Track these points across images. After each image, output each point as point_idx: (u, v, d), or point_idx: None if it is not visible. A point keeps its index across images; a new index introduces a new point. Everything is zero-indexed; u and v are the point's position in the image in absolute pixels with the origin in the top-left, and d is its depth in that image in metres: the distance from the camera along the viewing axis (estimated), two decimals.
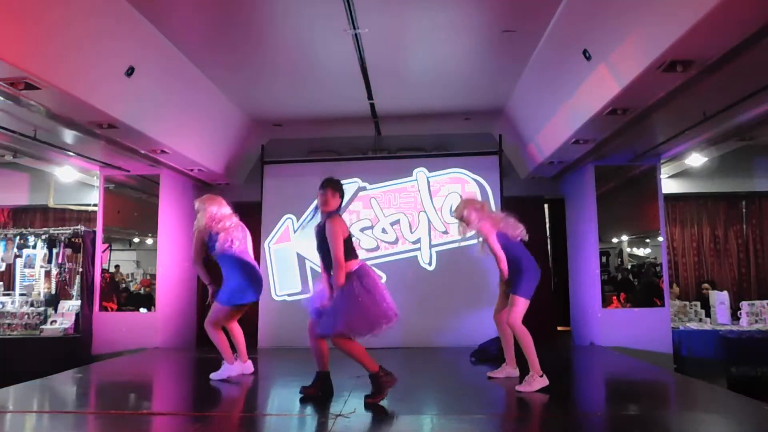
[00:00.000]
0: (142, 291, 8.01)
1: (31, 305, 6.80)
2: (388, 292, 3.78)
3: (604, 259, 6.89)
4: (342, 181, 4.01)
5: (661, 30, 3.51)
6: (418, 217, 7.00)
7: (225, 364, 4.66)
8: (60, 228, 7.06)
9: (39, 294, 6.96)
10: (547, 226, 7.99)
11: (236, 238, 4.62)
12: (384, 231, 7.00)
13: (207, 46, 5.09)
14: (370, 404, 3.60)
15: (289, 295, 7.01)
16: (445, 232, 6.94)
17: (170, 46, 4.93)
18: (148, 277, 8.28)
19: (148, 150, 5.95)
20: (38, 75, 3.86)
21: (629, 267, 7.86)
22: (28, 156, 6.40)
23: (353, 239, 3.91)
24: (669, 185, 7.98)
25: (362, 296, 3.59)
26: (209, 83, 5.85)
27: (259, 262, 7.00)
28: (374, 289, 3.67)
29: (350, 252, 3.73)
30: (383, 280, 4.36)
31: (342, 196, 3.90)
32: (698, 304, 6.88)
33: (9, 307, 6.77)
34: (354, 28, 4.58)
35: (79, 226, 7.00)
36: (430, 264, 6.92)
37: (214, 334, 4.61)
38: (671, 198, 8.31)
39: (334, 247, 3.63)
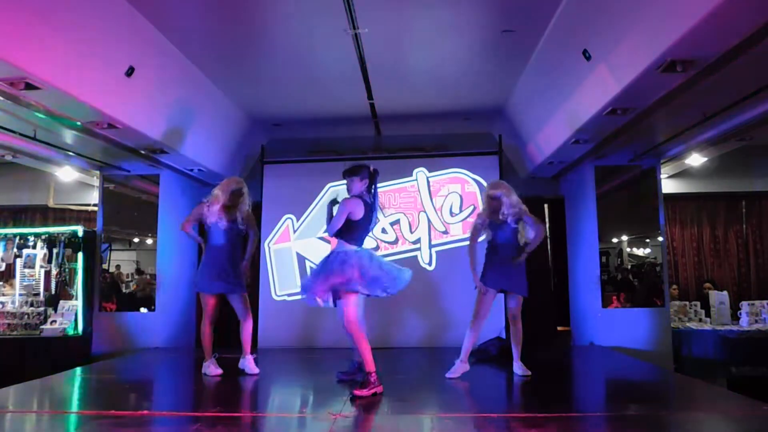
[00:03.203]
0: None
1: (31, 305, 6.80)
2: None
3: (604, 259, 6.89)
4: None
5: (661, 30, 3.51)
6: (418, 217, 7.00)
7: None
8: (60, 228, 7.08)
9: (39, 294, 6.96)
10: (547, 226, 7.98)
11: None
12: (384, 231, 7.00)
13: (207, 46, 5.09)
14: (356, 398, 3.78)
15: (289, 295, 7.00)
16: (445, 232, 6.94)
17: (170, 46, 4.93)
18: (148, 277, 8.29)
19: (148, 150, 5.95)
20: (38, 75, 3.86)
21: (629, 267, 7.86)
22: (28, 156, 6.39)
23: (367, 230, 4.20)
24: (669, 185, 7.98)
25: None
26: (209, 83, 5.85)
27: (258, 262, 7.08)
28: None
29: (350, 234, 4.06)
30: None
31: (362, 179, 4.17)
32: (698, 304, 6.88)
33: (9, 307, 6.77)
34: (354, 28, 4.58)
35: (78, 226, 7.00)
36: (430, 264, 6.92)
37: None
38: (671, 198, 8.31)
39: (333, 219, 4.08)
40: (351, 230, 4.07)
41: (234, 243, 4.76)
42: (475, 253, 4.67)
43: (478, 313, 4.60)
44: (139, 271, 8.11)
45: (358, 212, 4.04)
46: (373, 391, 3.86)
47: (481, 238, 4.70)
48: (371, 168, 4.21)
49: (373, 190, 4.21)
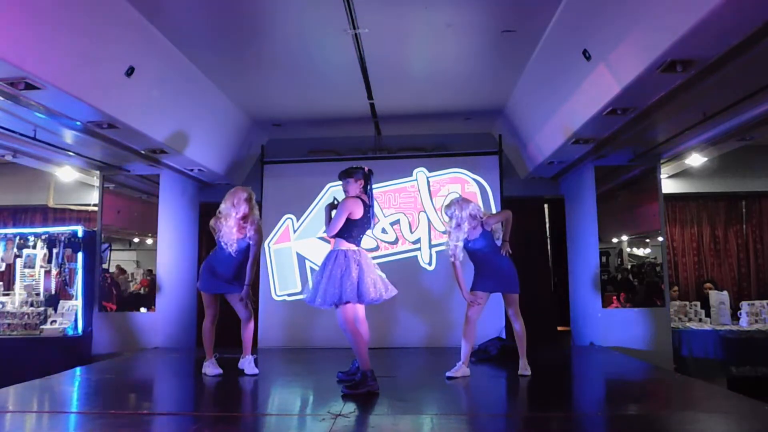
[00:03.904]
0: (141, 291, 8.02)
1: (31, 305, 6.81)
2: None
3: (604, 259, 6.89)
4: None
5: (661, 30, 3.51)
6: (418, 217, 7.00)
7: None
8: (60, 228, 7.08)
9: (39, 294, 6.96)
10: (547, 226, 7.99)
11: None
12: (384, 231, 7.00)
13: (207, 46, 5.09)
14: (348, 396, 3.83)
15: (289, 295, 7.01)
16: (445, 232, 6.92)
17: (170, 46, 4.93)
18: (130, 275, 8.31)
19: (148, 150, 5.95)
20: (38, 75, 3.86)
21: (629, 267, 7.86)
22: (28, 156, 6.40)
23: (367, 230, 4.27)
24: (669, 185, 7.98)
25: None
26: (209, 83, 5.85)
27: (259, 262, 7.07)
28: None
29: (345, 233, 4.09)
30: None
31: (357, 180, 4.23)
32: (698, 304, 6.87)
33: (9, 307, 6.77)
34: (354, 28, 4.58)
35: (78, 226, 7.00)
36: (430, 264, 6.92)
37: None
38: (671, 198, 8.31)
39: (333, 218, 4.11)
40: (350, 229, 4.10)
41: (241, 253, 4.73)
42: (457, 269, 4.70)
43: (470, 318, 4.64)
44: (122, 270, 8.11)
45: (358, 212, 4.09)
46: (366, 390, 3.89)
47: (460, 243, 4.68)
48: (366, 169, 4.25)
49: (368, 191, 4.24)
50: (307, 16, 4.51)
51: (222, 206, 4.73)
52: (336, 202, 4.28)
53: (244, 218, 4.69)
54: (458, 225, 4.61)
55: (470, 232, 4.60)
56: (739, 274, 8.60)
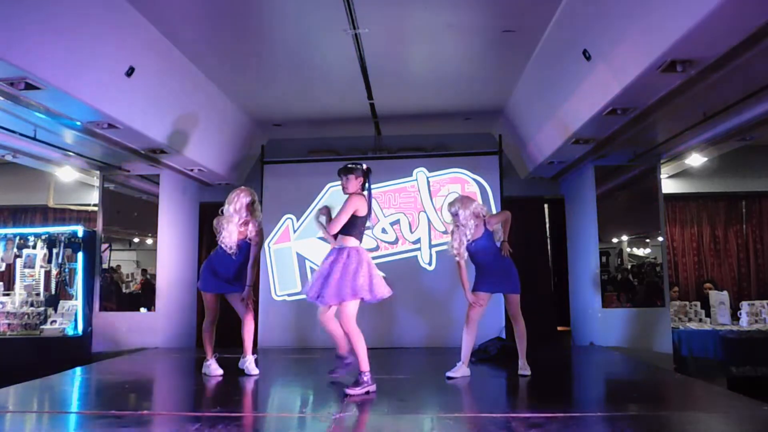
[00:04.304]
0: (141, 291, 8.01)
1: (31, 305, 6.80)
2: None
3: (604, 259, 6.89)
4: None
5: (661, 30, 3.51)
6: (418, 217, 7.00)
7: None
8: (60, 228, 7.08)
9: (39, 294, 6.96)
10: (547, 226, 7.99)
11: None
12: (384, 231, 7.01)
13: (207, 46, 5.09)
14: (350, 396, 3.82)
15: (289, 295, 7.01)
16: (445, 232, 6.93)
17: (170, 46, 4.93)
18: (148, 276, 8.29)
19: (148, 150, 5.95)
20: (38, 75, 3.86)
21: (629, 267, 7.85)
22: (28, 156, 6.40)
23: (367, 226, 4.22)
24: (669, 185, 7.98)
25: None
26: (209, 83, 5.85)
27: (259, 263, 7.07)
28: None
29: (354, 231, 4.05)
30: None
31: (357, 177, 4.17)
32: (698, 304, 6.88)
33: (9, 307, 6.77)
34: (354, 28, 4.58)
35: (78, 226, 7.01)
36: (430, 264, 6.92)
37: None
38: (671, 198, 8.32)
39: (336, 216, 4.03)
40: (357, 226, 4.08)
41: (242, 254, 4.72)
42: (462, 269, 4.66)
43: (471, 318, 4.63)
44: (113, 270, 8.12)
45: (363, 209, 4.08)
46: (366, 389, 3.89)
47: (464, 242, 4.66)
48: (365, 166, 4.24)
49: (367, 189, 4.23)
50: (307, 16, 4.51)
51: (225, 208, 4.71)
52: (326, 209, 4.27)
53: (245, 223, 4.68)
54: (462, 224, 4.59)
55: (474, 231, 4.59)
56: (739, 274, 8.60)
